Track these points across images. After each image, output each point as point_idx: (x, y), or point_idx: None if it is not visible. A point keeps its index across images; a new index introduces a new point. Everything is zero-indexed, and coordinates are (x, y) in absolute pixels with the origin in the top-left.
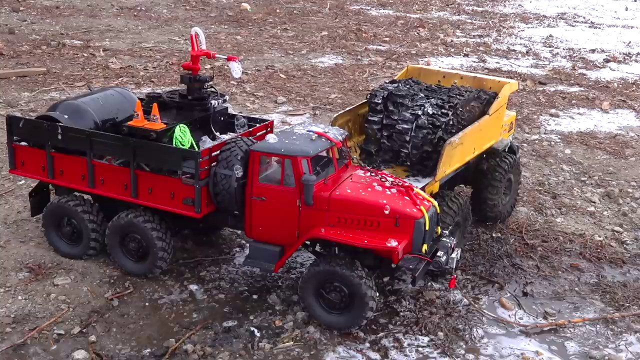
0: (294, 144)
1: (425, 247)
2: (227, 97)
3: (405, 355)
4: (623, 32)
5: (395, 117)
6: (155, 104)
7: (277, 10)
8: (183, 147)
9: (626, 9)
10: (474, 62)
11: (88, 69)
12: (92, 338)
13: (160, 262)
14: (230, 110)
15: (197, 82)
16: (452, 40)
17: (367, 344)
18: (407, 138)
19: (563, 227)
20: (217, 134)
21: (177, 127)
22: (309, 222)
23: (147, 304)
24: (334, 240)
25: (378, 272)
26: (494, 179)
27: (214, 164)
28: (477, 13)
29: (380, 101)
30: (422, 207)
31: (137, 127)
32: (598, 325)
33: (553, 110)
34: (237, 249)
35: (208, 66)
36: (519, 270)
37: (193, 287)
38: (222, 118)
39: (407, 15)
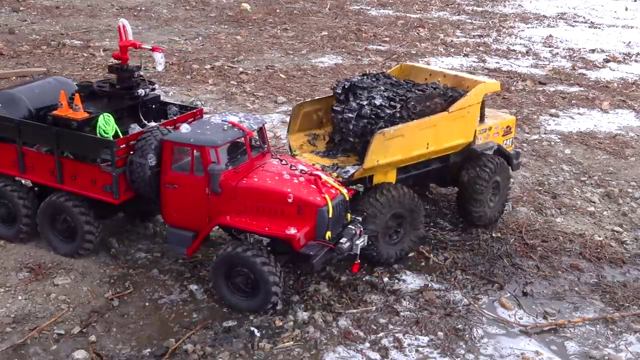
0: (205, 134)
1: (329, 234)
2: (156, 86)
3: (405, 355)
4: (623, 32)
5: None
6: (77, 94)
7: (277, 10)
8: (101, 136)
9: (626, 9)
10: (474, 62)
11: (88, 69)
12: (92, 338)
13: (88, 244)
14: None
15: (125, 71)
16: (452, 40)
17: (367, 344)
18: (351, 126)
19: (563, 227)
20: (147, 122)
21: (101, 116)
22: (218, 209)
23: (147, 304)
24: (236, 228)
25: (289, 259)
26: (475, 192)
27: (132, 152)
28: (477, 13)
29: (340, 91)
30: (326, 196)
31: (60, 117)
32: (598, 325)
33: (553, 110)
34: None
35: (208, 66)
36: (519, 270)
37: (193, 287)
38: (153, 106)
39: (407, 15)
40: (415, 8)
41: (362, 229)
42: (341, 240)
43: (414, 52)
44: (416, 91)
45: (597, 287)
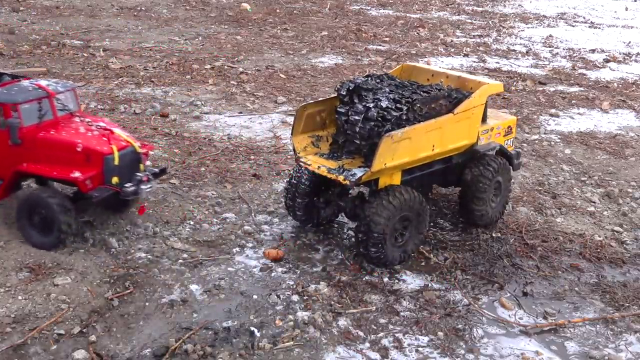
0: (9, 93)
1: (116, 179)
2: None
3: (405, 355)
4: (623, 32)
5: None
6: None
7: (277, 10)
8: None
9: (626, 9)
10: (474, 62)
11: (88, 69)
12: (92, 338)
13: None
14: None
15: None
16: (452, 40)
17: (367, 344)
18: (357, 129)
19: (563, 227)
20: None
21: None
22: (20, 159)
23: (147, 304)
24: (30, 173)
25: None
26: (477, 190)
27: None
28: (477, 13)
29: (345, 93)
30: (113, 146)
31: None
32: (598, 325)
33: (553, 110)
34: (237, 249)
35: (208, 66)
36: (519, 270)
37: (193, 287)
38: None
39: (407, 15)
40: (415, 8)
41: (149, 176)
42: (126, 185)
43: (414, 52)
44: (421, 93)
45: (597, 287)
